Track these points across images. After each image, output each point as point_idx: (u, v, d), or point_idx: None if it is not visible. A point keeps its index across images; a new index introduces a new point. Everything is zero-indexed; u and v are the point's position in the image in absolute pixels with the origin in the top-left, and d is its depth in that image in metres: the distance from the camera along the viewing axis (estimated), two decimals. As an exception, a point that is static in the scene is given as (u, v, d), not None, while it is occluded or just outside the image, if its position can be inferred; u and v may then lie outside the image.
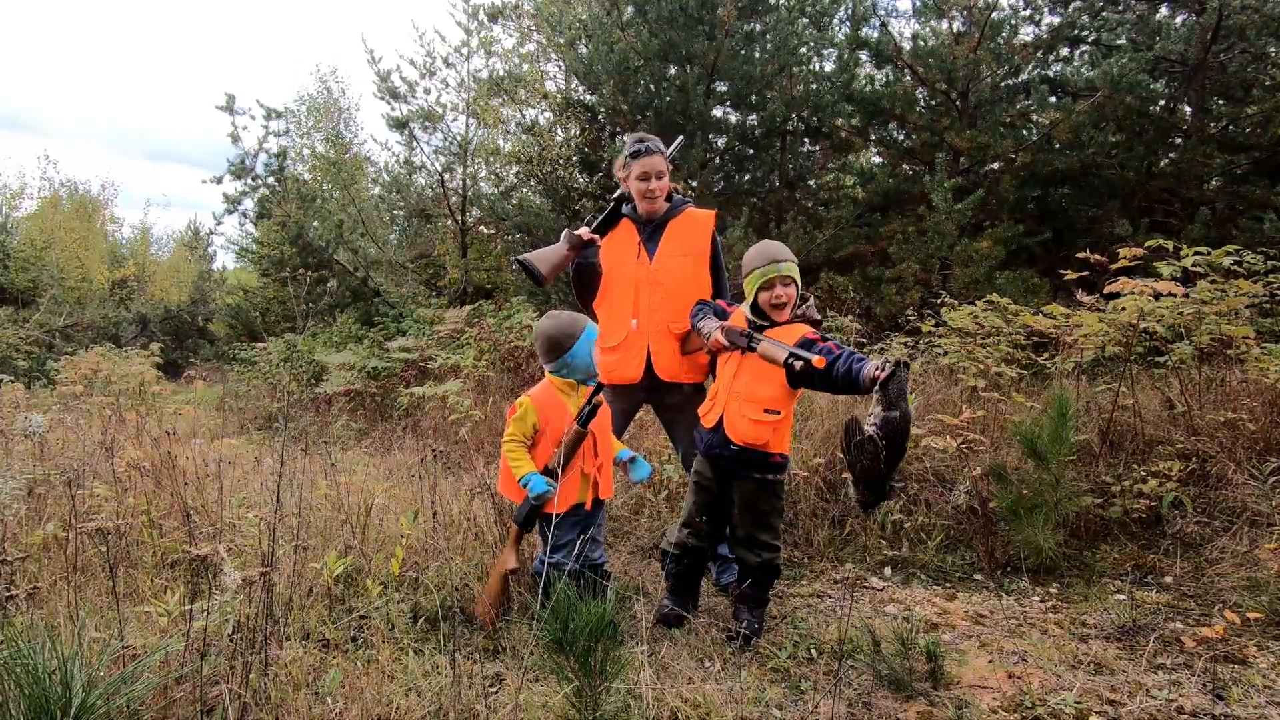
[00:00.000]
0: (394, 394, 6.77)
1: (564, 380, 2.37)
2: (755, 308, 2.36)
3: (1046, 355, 4.12)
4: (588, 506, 2.34)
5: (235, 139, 8.69)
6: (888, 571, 3.18)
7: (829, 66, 7.47)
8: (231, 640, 1.77)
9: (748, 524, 2.42)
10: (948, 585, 3.06)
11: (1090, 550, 3.27)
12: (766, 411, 2.31)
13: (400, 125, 8.96)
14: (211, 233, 17.94)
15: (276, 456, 4.70)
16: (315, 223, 8.66)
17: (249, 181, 9.04)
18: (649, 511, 3.63)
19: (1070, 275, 4.10)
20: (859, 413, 2.21)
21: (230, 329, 18.00)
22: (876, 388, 1.93)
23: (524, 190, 9.30)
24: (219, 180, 8.99)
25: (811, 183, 8.01)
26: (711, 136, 7.37)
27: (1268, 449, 3.46)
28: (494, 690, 2.03)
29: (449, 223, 11.43)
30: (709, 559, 2.60)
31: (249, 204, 9.39)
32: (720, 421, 2.35)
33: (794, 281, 2.33)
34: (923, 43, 6.61)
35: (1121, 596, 2.85)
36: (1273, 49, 6.91)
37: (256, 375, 10.18)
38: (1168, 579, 3.02)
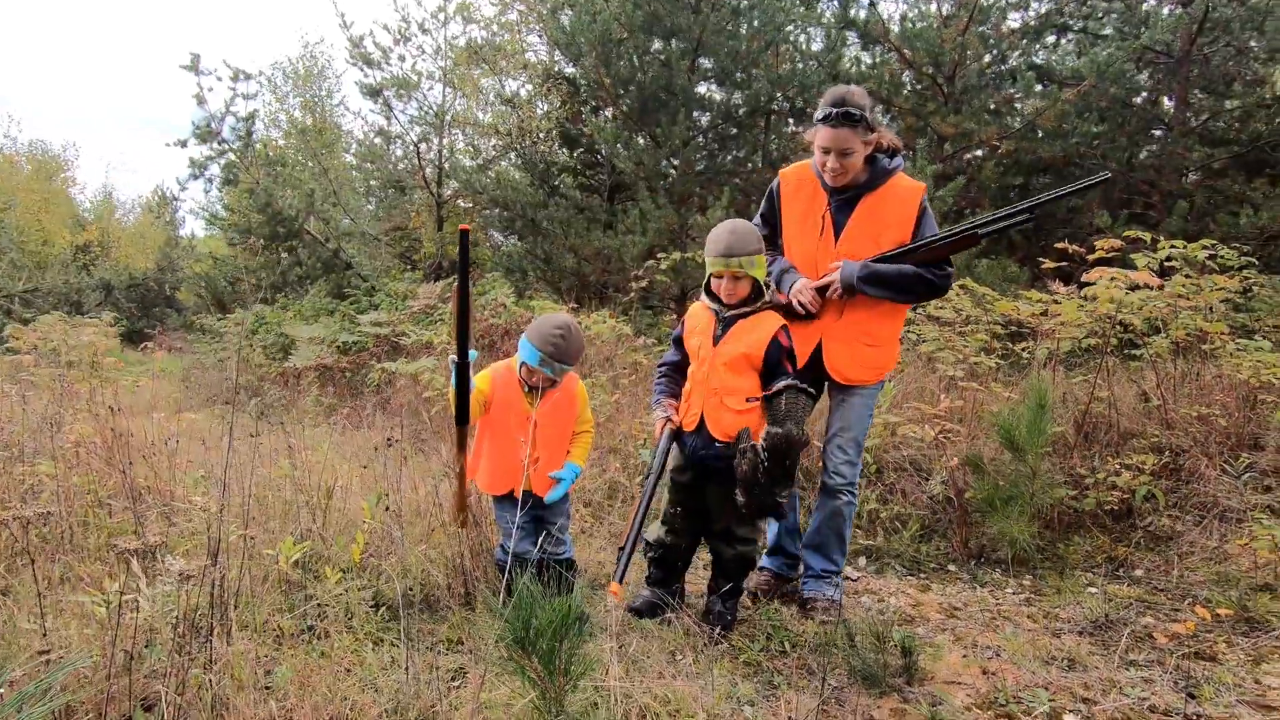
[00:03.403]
0: (365, 369, 6.61)
1: (524, 369, 2.25)
2: (708, 289, 2.31)
3: (1023, 345, 4.10)
4: (516, 494, 2.23)
5: (201, 100, 8.35)
6: (862, 561, 3.15)
7: (816, 45, 7.34)
8: (175, 633, 1.67)
9: (729, 518, 2.37)
10: (922, 576, 3.04)
11: (1064, 542, 3.27)
12: (748, 400, 2.26)
13: (374, 93, 8.68)
14: (175, 199, 17.35)
15: (239, 432, 4.53)
16: (286, 191, 8.38)
17: (215, 146, 8.70)
18: (623, 496, 3.56)
19: (1048, 265, 4.07)
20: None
21: (199, 298, 17.52)
22: (766, 402, 2.12)
23: (502, 163, 9.09)
24: (184, 144, 8.64)
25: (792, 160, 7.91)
26: (695, 114, 7.22)
27: (1239, 444, 3.48)
28: (455, 685, 1.95)
29: (424, 194, 11.16)
30: (692, 551, 2.53)
31: (216, 170, 9.05)
32: (701, 421, 2.27)
33: (747, 277, 2.24)
34: (911, 24, 6.51)
35: (1094, 590, 2.84)
36: (1255, 43, 6.93)
37: (224, 347, 9.91)
38: (1139, 572, 3.03)
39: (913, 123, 6.15)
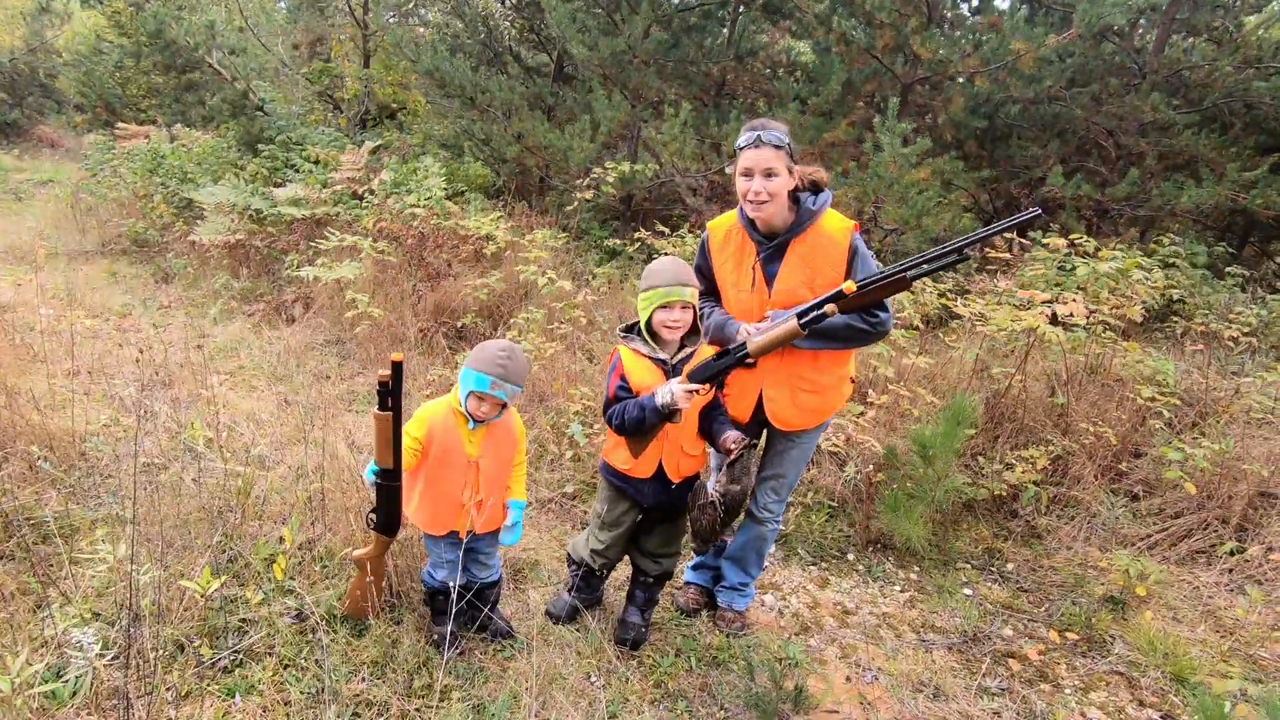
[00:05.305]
0: (281, 246, 6.15)
1: (473, 399, 2.14)
2: (648, 326, 2.26)
3: (953, 335, 4.21)
4: (462, 535, 2.25)
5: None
6: (771, 547, 3.37)
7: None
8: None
9: (662, 540, 2.51)
10: (823, 565, 3.30)
11: (952, 528, 3.58)
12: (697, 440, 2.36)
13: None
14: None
15: (142, 315, 4.16)
16: (183, 15, 7.17)
17: (88, -58, 7.24)
18: (549, 461, 3.61)
19: (996, 250, 4.09)
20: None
21: (82, 95, 15.45)
22: (726, 461, 2.14)
23: (436, 9, 8.01)
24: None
25: (761, 53, 7.33)
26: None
27: (1123, 450, 3.80)
28: (380, 722, 2.06)
29: (348, 20, 9.86)
30: (615, 565, 2.65)
31: (90, -28, 7.61)
32: (660, 468, 2.32)
33: (693, 307, 2.23)
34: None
35: (969, 591, 3.18)
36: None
37: (118, 184, 8.93)
38: (1011, 566, 3.38)
39: (891, 40, 5.73)
